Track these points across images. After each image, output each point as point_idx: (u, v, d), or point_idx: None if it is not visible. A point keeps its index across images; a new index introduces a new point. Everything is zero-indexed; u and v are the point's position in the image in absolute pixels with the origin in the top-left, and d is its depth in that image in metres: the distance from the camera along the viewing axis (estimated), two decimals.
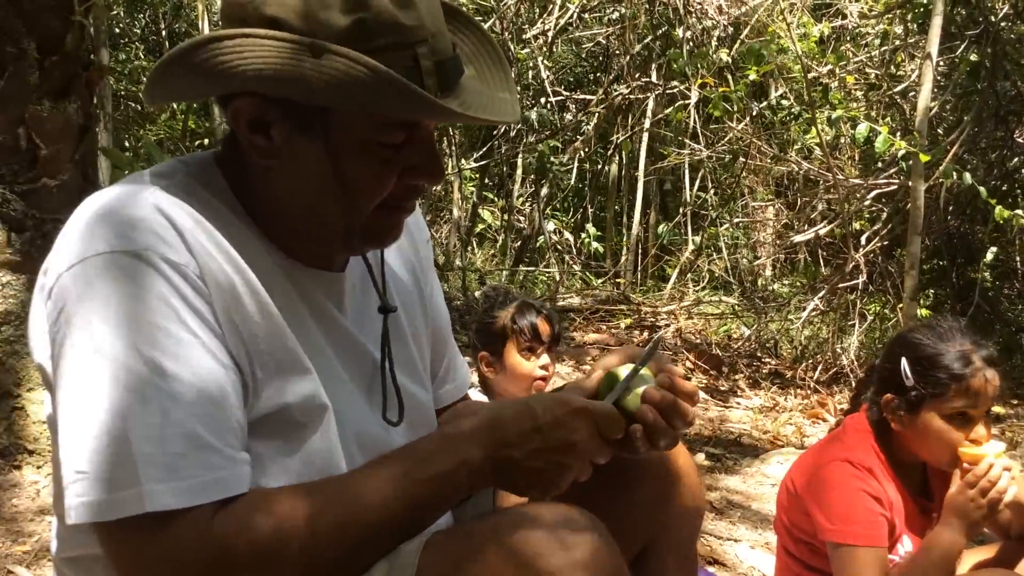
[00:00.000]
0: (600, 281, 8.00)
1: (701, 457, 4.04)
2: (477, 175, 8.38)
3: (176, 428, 1.05)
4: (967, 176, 4.99)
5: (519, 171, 8.62)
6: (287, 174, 1.18)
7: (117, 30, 9.28)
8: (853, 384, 4.91)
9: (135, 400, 1.04)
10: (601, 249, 8.67)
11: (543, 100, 7.40)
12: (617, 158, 8.88)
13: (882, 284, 6.17)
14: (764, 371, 5.78)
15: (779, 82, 6.88)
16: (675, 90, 7.21)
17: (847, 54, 6.52)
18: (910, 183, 5.06)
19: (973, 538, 1.98)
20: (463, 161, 7.86)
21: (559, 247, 8.22)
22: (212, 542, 1.05)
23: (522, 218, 8.86)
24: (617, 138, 8.21)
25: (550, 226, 8.32)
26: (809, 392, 5.40)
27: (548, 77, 7.30)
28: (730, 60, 6.30)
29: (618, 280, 7.98)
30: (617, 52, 8.22)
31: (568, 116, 8.27)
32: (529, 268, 7.80)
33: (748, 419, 4.88)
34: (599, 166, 9.19)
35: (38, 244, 2.92)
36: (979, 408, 1.95)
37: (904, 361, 1.99)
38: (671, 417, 1.24)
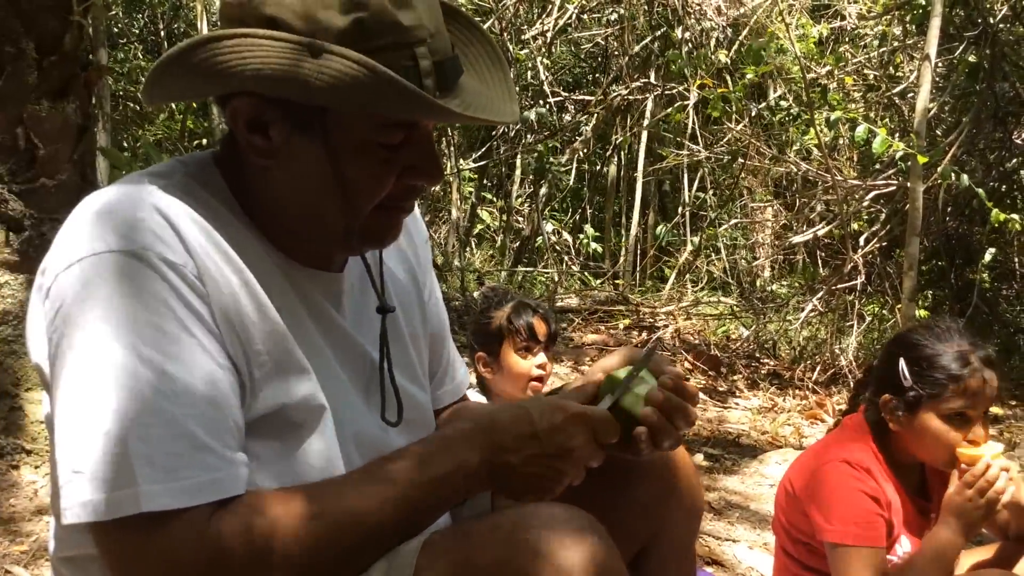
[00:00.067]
0: (599, 282, 8.00)
1: (700, 457, 4.04)
2: (476, 175, 8.38)
3: (173, 428, 1.05)
4: (964, 177, 4.99)
5: (518, 172, 8.63)
6: (285, 174, 1.18)
7: (116, 30, 9.28)
8: (851, 385, 4.92)
9: (132, 400, 1.04)
10: (600, 250, 8.68)
11: (542, 101, 7.40)
12: (616, 159, 8.88)
13: (881, 285, 6.17)
14: (763, 372, 5.78)
15: (778, 83, 6.89)
16: (674, 91, 7.21)
17: (846, 55, 6.52)
18: (909, 184, 5.06)
19: (971, 538, 1.98)
20: (462, 161, 7.86)
21: (557, 248, 8.22)
22: (208, 543, 1.05)
23: (521, 218, 8.86)
24: (616, 139, 8.21)
25: (548, 227, 8.32)
26: (807, 393, 5.40)
27: (547, 78, 7.30)
28: (729, 61, 6.30)
29: (616, 281, 7.98)
30: (616, 53, 8.22)
31: (567, 117, 8.27)
32: (528, 269, 7.80)
33: (747, 420, 4.88)
34: (598, 167, 9.19)
35: (36, 244, 2.92)
36: (977, 409, 1.95)
37: (902, 361, 1.99)
38: (674, 418, 1.25)
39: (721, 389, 5.38)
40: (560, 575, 1.04)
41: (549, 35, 7.53)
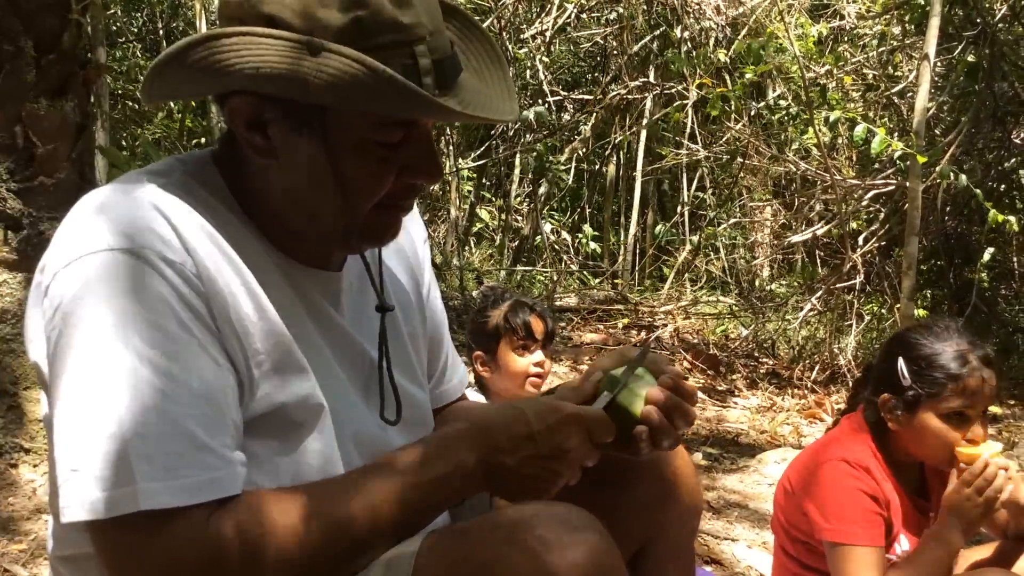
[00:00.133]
0: (597, 281, 8.01)
1: (699, 457, 4.04)
2: (475, 175, 8.37)
3: (172, 427, 1.05)
4: (963, 177, 4.99)
5: (517, 171, 8.62)
6: (284, 173, 1.18)
7: (114, 29, 9.27)
8: (850, 384, 4.92)
9: (131, 398, 1.04)
10: (598, 249, 8.68)
11: (541, 100, 7.40)
12: (615, 158, 8.88)
13: (879, 284, 6.17)
14: (761, 371, 5.78)
15: (777, 82, 6.89)
16: (673, 90, 7.21)
17: (845, 55, 6.52)
18: (907, 184, 5.06)
19: (970, 537, 1.98)
20: (461, 161, 7.85)
21: (556, 247, 8.22)
22: (207, 542, 1.05)
23: (520, 218, 8.86)
24: (615, 138, 8.21)
25: (547, 226, 8.32)
26: (806, 392, 5.40)
27: (546, 77, 7.30)
28: (728, 60, 6.30)
29: (615, 280, 7.99)
30: (615, 52, 8.22)
31: (566, 116, 8.27)
32: (527, 268, 7.80)
33: (745, 419, 4.88)
34: (596, 166, 9.19)
35: (35, 242, 2.91)
36: (976, 408, 1.95)
37: (901, 361, 1.99)
38: (674, 417, 1.26)
39: (720, 388, 5.38)
40: (560, 574, 1.04)
41: (548, 34, 7.53)
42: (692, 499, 1.51)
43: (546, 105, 7.23)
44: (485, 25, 6.39)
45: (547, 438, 1.19)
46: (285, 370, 1.17)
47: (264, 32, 1.08)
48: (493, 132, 7.88)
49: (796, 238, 6.64)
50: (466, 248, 7.78)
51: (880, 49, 6.77)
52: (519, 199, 8.94)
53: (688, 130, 7.33)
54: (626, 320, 6.48)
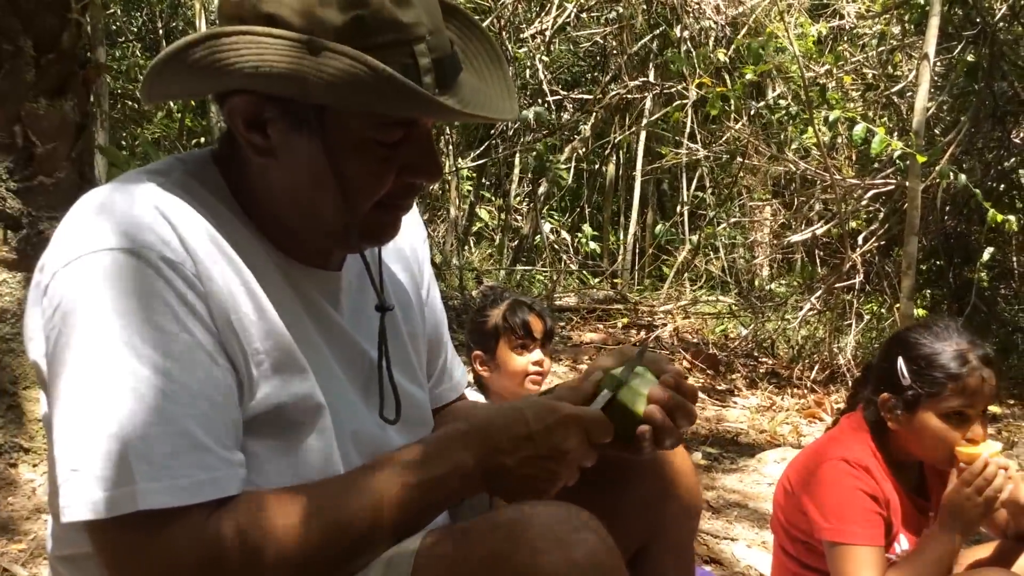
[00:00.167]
0: (597, 281, 8.01)
1: (698, 456, 4.04)
2: (474, 174, 8.37)
3: (171, 427, 1.05)
4: (962, 177, 4.99)
5: (516, 170, 8.62)
6: (284, 172, 1.18)
7: (114, 28, 9.26)
8: (850, 383, 4.92)
9: (130, 398, 1.04)
10: (598, 249, 8.68)
11: (540, 99, 7.40)
12: (614, 158, 8.88)
13: (879, 284, 6.17)
14: (761, 370, 5.78)
15: (776, 82, 6.89)
16: (672, 90, 7.21)
17: (844, 54, 6.52)
18: (907, 183, 5.06)
19: (969, 537, 1.98)
20: (460, 160, 7.85)
21: (556, 246, 8.22)
22: (206, 542, 1.05)
23: (519, 217, 8.86)
24: (614, 138, 8.21)
25: (547, 226, 8.32)
26: (806, 391, 5.40)
27: (545, 76, 7.30)
28: (727, 60, 6.30)
29: (615, 280, 7.99)
30: (615, 52, 8.22)
31: (565, 116, 8.27)
32: (526, 268, 7.80)
33: (745, 418, 4.88)
34: (596, 166, 9.19)
35: (34, 242, 2.91)
36: (976, 407, 1.95)
37: (900, 360, 1.99)
38: (676, 417, 1.26)
39: (719, 388, 5.38)
40: (560, 573, 1.04)
41: (548, 34, 7.53)
42: (692, 498, 1.51)
43: (545, 105, 7.23)
44: (485, 24, 6.39)
45: (545, 438, 1.19)
46: (285, 370, 1.17)
47: (264, 31, 1.08)
48: (492, 132, 7.88)
49: (795, 238, 6.64)
50: (465, 248, 7.78)
51: (880, 49, 6.77)
52: (518, 199, 8.94)
53: (688, 130, 7.33)
54: (625, 320, 6.48)
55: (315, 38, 1.07)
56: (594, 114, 7.94)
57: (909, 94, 6.12)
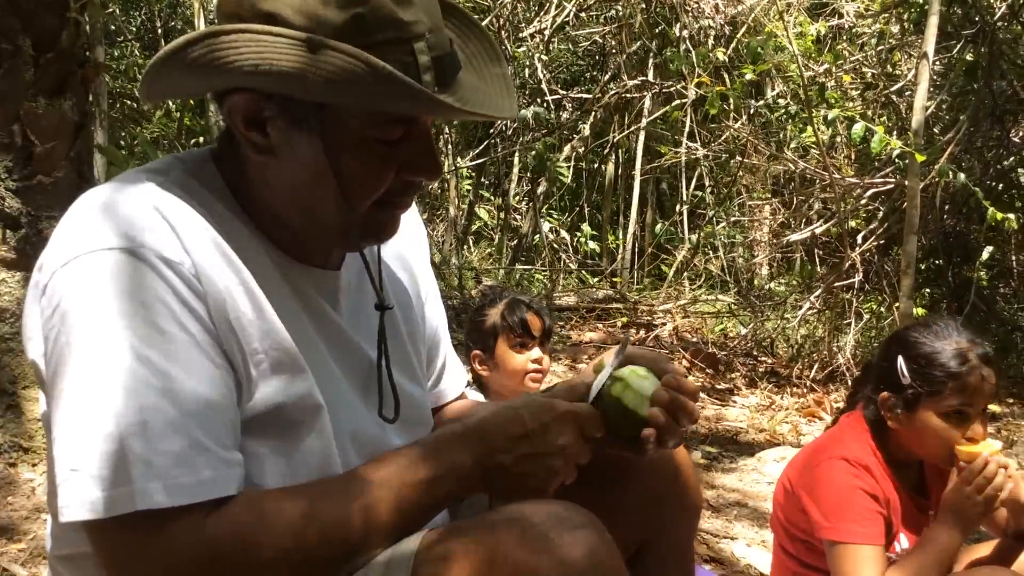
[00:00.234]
0: (596, 280, 8.01)
1: (698, 455, 4.04)
2: (473, 173, 8.37)
3: (170, 427, 1.05)
4: (961, 175, 4.99)
5: (515, 169, 8.62)
6: (284, 170, 1.18)
7: (113, 28, 9.26)
8: (849, 382, 4.92)
9: (129, 398, 1.04)
10: (597, 248, 8.68)
11: (539, 99, 7.40)
12: (614, 157, 8.88)
13: (878, 283, 6.17)
14: (760, 370, 5.79)
15: (776, 81, 6.89)
16: (672, 89, 7.21)
17: (844, 53, 6.52)
18: (906, 182, 5.06)
19: (969, 535, 1.98)
20: (459, 159, 7.85)
21: (555, 246, 8.22)
22: (204, 542, 1.05)
23: (519, 217, 8.86)
24: (614, 137, 8.21)
25: (546, 225, 8.32)
26: (805, 391, 5.41)
27: (545, 76, 7.29)
28: (726, 59, 6.29)
29: (614, 279, 7.99)
30: (614, 51, 8.22)
31: (564, 115, 8.27)
32: (526, 267, 7.80)
33: (745, 417, 4.88)
34: (595, 165, 9.19)
35: (33, 241, 2.91)
36: (976, 406, 1.95)
37: (901, 359, 1.99)
38: (679, 417, 1.26)
39: (719, 387, 5.38)
40: (559, 572, 1.03)
41: (547, 33, 7.52)
42: (692, 498, 1.51)
43: (544, 104, 7.23)
44: (484, 23, 6.38)
45: (542, 436, 1.19)
46: (283, 370, 1.17)
47: (264, 29, 1.08)
48: (492, 131, 7.88)
49: (795, 237, 6.64)
50: (465, 247, 7.78)
51: (879, 48, 6.77)
52: (517, 198, 8.94)
53: (687, 129, 7.33)
54: (625, 319, 6.48)
55: (315, 36, 1.07)
56: (593, 113, 7.94)
57: (908, 93, 6.12)
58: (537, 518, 1.08)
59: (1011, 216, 4.87)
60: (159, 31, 9.38)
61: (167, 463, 1.04)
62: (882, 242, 6.08)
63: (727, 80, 6.28)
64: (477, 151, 7.98)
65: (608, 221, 8.98)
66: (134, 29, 9.99)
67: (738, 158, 7.14)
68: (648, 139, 8.42)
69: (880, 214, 6.12)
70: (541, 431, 1.19)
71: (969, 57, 5.95)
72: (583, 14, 7.97)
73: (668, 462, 1.47)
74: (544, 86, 7.28)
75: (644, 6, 7.42)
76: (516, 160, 8.47)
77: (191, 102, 8.13)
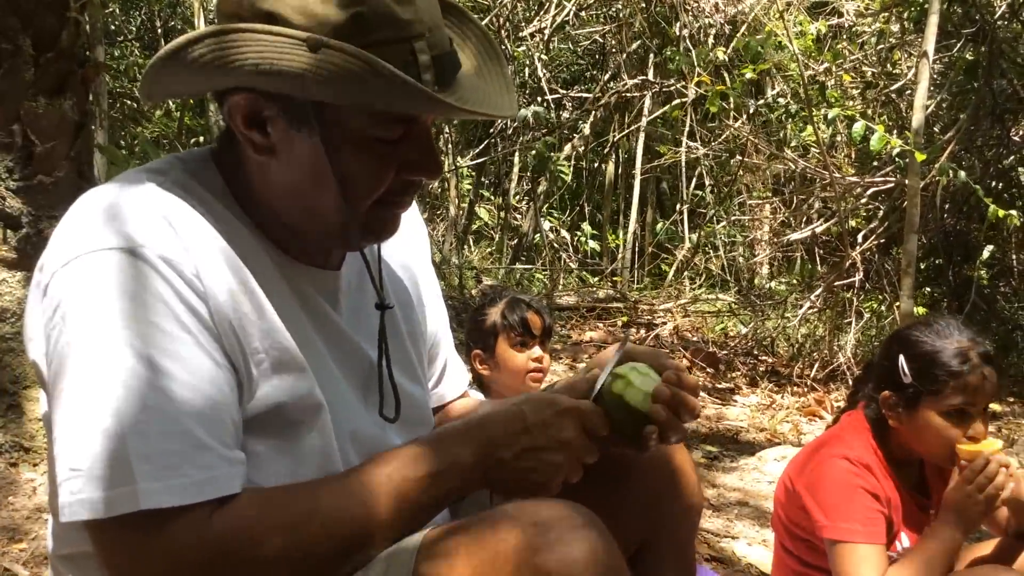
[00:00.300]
0: (597, 279, 8.01)
1: (699, 455, 4.04)
2: (473, 173, 8.37)
3: (171, 426, 1.05)
4: (962, 174, 4.99)
5: (515, 169, 8.62)
6: (284, 170, 1.18)
7: (113, 27, 9.27)
8: (850, 381, 4.92)
9: (130, 398, 1.04)
10: (597, 247, 8.68)
11: (539, 98, 7.40)
12: (614, 156, 8.87)
13: (879, 282, 6.17)
14: (761, 369, 5.78)
15: (776, 80, 6.88)
16: (672, 88, 7.21)
17: (844, 52, 6.52)
18: (907, 181, 5.06)
19: (970, 534, 1.98)
20: (459, 159, 7.85)
21: (555, 245, 8.22)
22: (207, 541, 1.05)
23: (519, 216, 8.86)
24: (614, 136, 8.21)
25: (546, 224, 8.32)
26: (806, 390, 5.41)
27: (544, 75, 7.29)
28: (726, 58, 6.29)
29: (615, 278, 7.98)
30: (614, 50, 8.22)
31: (564, 114, 8.27)
32: (526, 267, 7.80)
33: (745, 416, 4.88)
34: (595, 164, 9.19)
35: (34, 241, 2.91)
36: (977, 405, 1.95)
37: (902, 358, 1.99)
38: (681, 412, 1.26)
39: (720, 386, 5.38)
40: (561, 571, 1.03)
41: (547, 32, 7.52)
42: (693, 497, 1.51)
43: (544, 103, 7.23)
44: (484, 23, 6.38)
45: (543, 431, 1.19)
46: (284, 369, 1.17)
47: (264, 29, 1.08)
48: (492, 130, 7.88)
49: (795, 236, 6.64)
50: (465, 246, 7.78)
51: (879, 47, 6.76)
52: (518, 197, 8.94)
53: (687, 128, 7.33)
54: (625, 318, 6.48)
55: (315, 35, 1.07)
56: (593, 113, 7.94)
57: (908, 92, 6.11)
58: (538, 517, 1.08)
59: (1013, 212, 4.86)
60: (159, 31, 9.38)
61: (169, 462, 1.04)
62: (882, 241, 6.08)
63: (727, 79, 6.28)
64: (477, 150, 7.98)
65: (608, 220, 8.98)
66: (134, 29, 9.99)
67: (738, 157, 7.14)
68: (648, 138, 8.42)
69: (880, 213, 6.12)
70: (543, 427, 1.19)
71: (969, 56, 5.95)
72: (583, 13, 7.96)
73: (669, 461, 1.47)
74: (544, 85, 7.28)
75: (644, 5, 7.42)
76: (516, 159, 8.47)
77: (191, 102, 8.13)
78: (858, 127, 4.71)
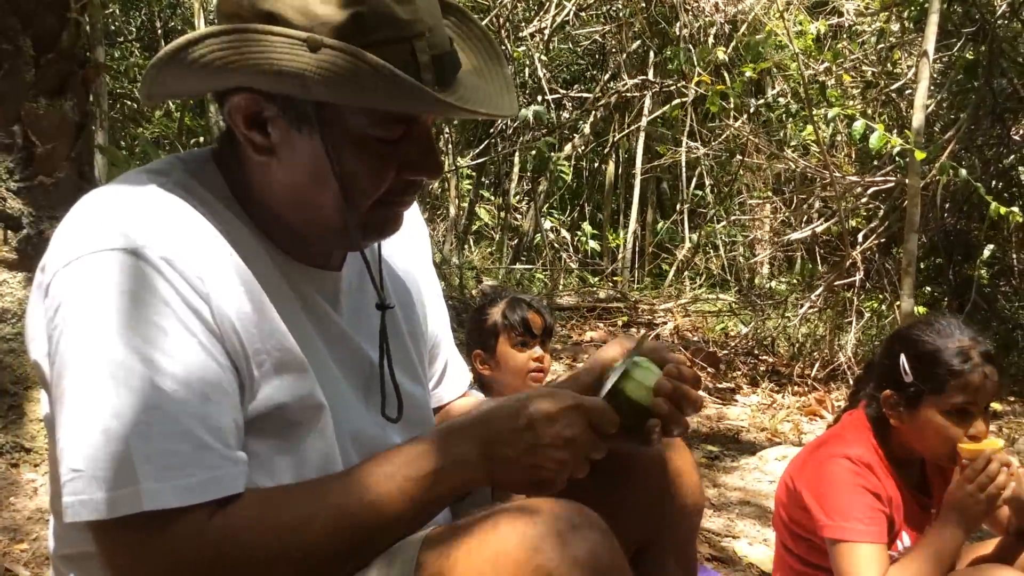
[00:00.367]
0: (597, 279, 8.01)
1: (699, 454, 4.04)
2: (473, 173, 8.37)
3: (173, 427, 1.05)
4: (963, 172, 4.99)
5: (516, 169, 8.62)
6: (284, 170, 1.18)
7: (113, 28, 9.27)
8: (850, 381, 4.92)
9: (132, 399, 1.04)
10: (598, 247, 8.68)
11: (540, 98, 7.40)
12: (614, 156, 8.87)
13: (879, 281, 6.17)
14: (761, 368, 5.78)
15: (776, 79, 6.89)
16: (672, 88, 7.21)
17: (844, 51, 6.52)
18: (907, 180, 5.06)
19: (972, 533, 1.98)
20: (459, 159, 7.85)
21: (556, 245, 8.22)
22: (210, 542, 1.06)
23: (519, 216, 8.86)
24: (614, 136, 8.21)
25: (547, 224, 8.32)
26: (807, 389, 5.40)
27: (544, 75, 7.29)
28: (726, 57, 6.30)
29: (615, 278, 7.99)
30: (614, 50, 8.22)
31: (564, 114, 8.27)
32: (527, 267, 7.80)
33: (746, 416, 4.88)
34: (596, 164, 9.19)
35: (35, 242, 2.91)
36: (978, 404, 1.95)
37: (903, 357, 1.99)
38: (683, 406, 1.25)
39: (720, 386, 5.38)
40: (563, 571, 1.03)
41: (547, 32, 7.52)
42: (694, 496, 1.51)
43: (545, 103, 7.23)
44: (484, 23, 6.38)
45: (548, 427, 1.17)
46: (285, 370, 1.17)
47: (264, 29, 1.08)
48: (492, 130, 7.88)
49: (795, 235, 6.63)
50: (465, 247, 7.78)
51: (879, 46, 6.76)
52: (518, 197, 8.94)
53: (687, 128, 7.33)
54: (625, 318, 6.49)
55: (315, 35, 1.07)
56: (593, 112, 7.94)
57: (908, 91, 6.12)
58: (540, 516, 1.08)
59: (1015, 209, 4.85)
60: (159, 31, 9.39)
61: (171, 463, 1.04)
62: (883, 240, 6.08)
63: (727, 79, 6.28)
64: (477, 151, 7.99)
65: (609, 220, 8.98)
66: (134, 30, 10.00)
67: (738, 157, 7.14)
68: (648, 138, 8.42)
69: (881, 212, 6.12)
70: (547, 422, 1.18)
71: (969, 55, 5.95)
72: (583, 13, 7.97)
73: (670, 461, 1.47)
74: (544, 85, 7.28)
75: (644, 5, 7.42)
76: (516, 159, 8.47)
77: (191, 102, 8.13)
78: (858, 126, 4.71)
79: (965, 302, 5.80)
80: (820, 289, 6.08)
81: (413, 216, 1.45)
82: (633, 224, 8.68)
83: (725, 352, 5.84)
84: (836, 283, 5.99)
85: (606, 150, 8.77)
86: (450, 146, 7.47)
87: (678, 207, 8.37)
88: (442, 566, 1.08)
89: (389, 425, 1.30)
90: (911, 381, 1.97)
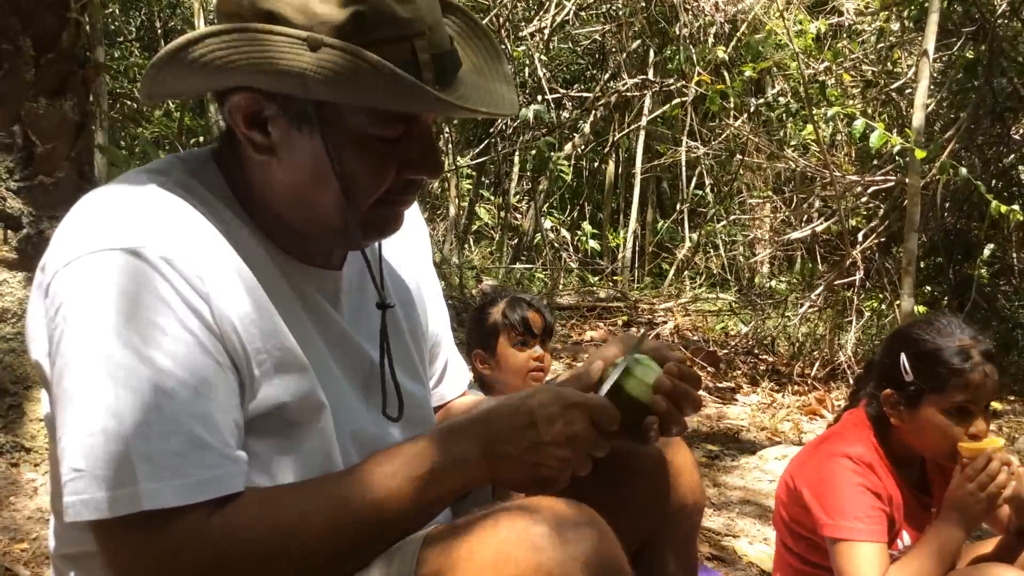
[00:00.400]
0: (597, 279, 8.01)
1: (700, 453, 4.04)
2: (473, 172, 8.37)
3: (173, 427, 1.05)
4: (963, 171, 4.98)
5: (516, 168, 8.62)
6: (285, 169, 1.18)
7: (113, 28, 9.27)
8: (850, 380, 4.93)
9: (132, 398, 1.04)
10: (598, 247, 8.68)
11: (540, 97, 7.40)
12: (614, 155, 8.87)
13: (879, 281, 6.16)
14: (762, 368, 5.78)
15: (776, 79, 6.89)
16: (672, 87, 7.21)
17: (844, 51, 6.52)
18: (907, 180, 5.06)
19: (972, 532, 1.98)
20: (459, 158, 7.85)
21: (556, 245, 8.22)
22: (210, 541, 1.06)
23: (519, 216, 8.86)
24: (614, 135, 8.21)
25: (547, 224, 8.32)
26: (807, 388, 5.40)
27: (544, 74, 7.29)
28: (726, 57, 6.30)
29: (615, 278, 7.98)
30: (614, 49, 8.22)
31: (564, 114, 8.27)
32: (527, 266, 7.80)
33: (746, 415, 4.88)
34: (596, 164, 9.19)
35: (35, 241, 2.92)
36: (978, 403, 1.95)
37: (903, 356, 1.99)
38: (682, 405, 1.25)
39: (720, 385, 5.38)
40: (563, 570, 1.03)
41: (547, 32, 7.52)
42: (694, 495, 1.51)
43: (545, 103, 7.23)
44: (484, 22, 6.37)
45: (549, 425, 1.17)
46: (286, 369, 1.17)
47: (264, 28, 1.08)
48: (492, 130, 7.88)
49: (796, 235, 6.63)
50: (465, 246, 7.78)
51: (879, 45, 6.76)
52: (518, 197, 8.94)
53: (687, 127, 7.33)
54: (625, 318, 6.49)
55: (315, 34, 1.07)
56: (593, 112, 7.94)
57: (908, 91, 6.12)
58: (541, 515, 1.08)
59: (1015, 208, 4.84)
60: (159, 31, 9.38)
61: (171, 462, 1.04)
62: (883, 240, 6.08)
63: (727, 78, 6.28)
64: (477, 150, 7.99)
65: (609, 220, 8.98)
66: (134, 30, 10.00)
67: (738, 156, 7.14)
68: (648, 138, 8.42)
69: (881, 212, 6.12)
70: (548, 420, 1.17)
71: (969, 54, 5.94)
72: (583, 13, 7.96)
73: (670, 461, 1.47)
74: (544, 85, 7.27)
75: (644, 5, 7.42)
76: (516, 159, 8.47)
77: (191, 102, 8.13)
78: (858, 125, 4.70)
79: (965, 301, 5.80)
80: (820, 288, 6.08)
81: (413, 215, 1.45)
82: (633, 224, 8.68)
83: (725, 351, 5.84)
84: (836, 282, 5.99)
85: (606, 150, 8.77)
86: (450, 145, 7.47)
87: (678, 206, 8.37)
88: (442, 565, 1.08)
89: (390, 424, 1.30)
90: (911, 380, 1.97)
